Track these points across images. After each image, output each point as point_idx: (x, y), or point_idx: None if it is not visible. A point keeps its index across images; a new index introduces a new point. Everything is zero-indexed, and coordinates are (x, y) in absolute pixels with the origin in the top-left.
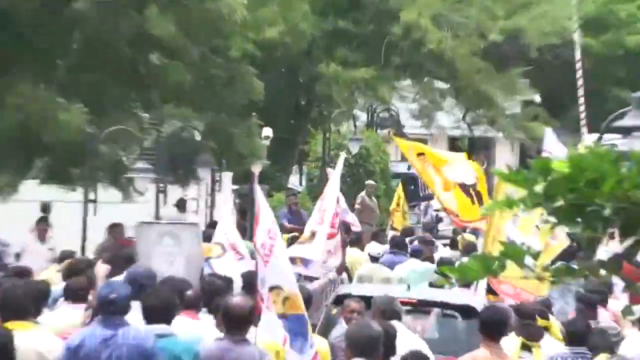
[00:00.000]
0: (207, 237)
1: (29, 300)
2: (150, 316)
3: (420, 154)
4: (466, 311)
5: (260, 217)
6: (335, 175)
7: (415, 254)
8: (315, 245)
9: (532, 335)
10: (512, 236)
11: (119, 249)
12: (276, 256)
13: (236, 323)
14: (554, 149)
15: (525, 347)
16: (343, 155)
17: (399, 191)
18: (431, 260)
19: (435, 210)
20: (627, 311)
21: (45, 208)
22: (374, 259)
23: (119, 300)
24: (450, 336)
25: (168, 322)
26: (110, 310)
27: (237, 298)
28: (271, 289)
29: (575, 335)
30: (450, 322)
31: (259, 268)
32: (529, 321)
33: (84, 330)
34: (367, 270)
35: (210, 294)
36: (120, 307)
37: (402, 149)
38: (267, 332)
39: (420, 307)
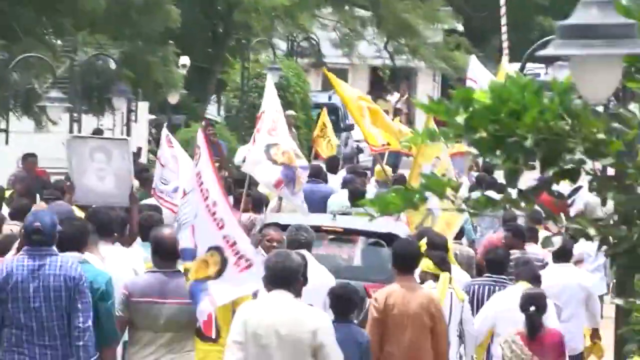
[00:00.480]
0: (145, 179)
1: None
2: (63, 244)
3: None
4: (390, 239)
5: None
6: (269, 96)
7: (347, 184)
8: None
9: (440, 264)
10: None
11: (33, 180)
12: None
13: (170, 254)
14: (480, 77)
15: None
16: (270, 76)
17: (323, 118)
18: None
19: (356, 141)
20: (546, 242)
21: None
22: None
23: (44, 229)
24: (376, 264)
25: (80, 250)
26: (36, 240)
27: (166, 230)
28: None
29: (494, 263)
30: (376, 250)
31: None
32: (438, 252)
33: (12, 260)
34: (275, 203)
35: (148, 227)
36: (45, 236)
37: (333, 84)
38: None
39: (346, 236)
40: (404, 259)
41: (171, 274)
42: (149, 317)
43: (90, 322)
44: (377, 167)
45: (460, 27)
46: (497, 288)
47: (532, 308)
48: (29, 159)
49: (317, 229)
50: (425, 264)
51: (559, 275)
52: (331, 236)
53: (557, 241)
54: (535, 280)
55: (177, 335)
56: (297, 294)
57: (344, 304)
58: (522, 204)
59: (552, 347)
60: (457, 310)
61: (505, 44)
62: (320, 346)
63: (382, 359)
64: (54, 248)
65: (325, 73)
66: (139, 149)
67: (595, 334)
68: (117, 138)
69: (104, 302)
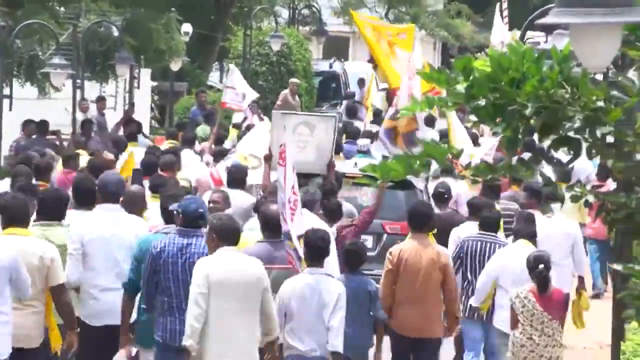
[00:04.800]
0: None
1: (28, 209)
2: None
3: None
4: (404, 183)
5: (287, 174)
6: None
7: (364, 151)
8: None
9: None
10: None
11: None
12: (299, 209)
13: (277, 227)
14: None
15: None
16: (233, 67)
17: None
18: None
19: (358, 103)
20: (545, 208)
21: None
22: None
23: (206, 215)
24: (391, 204)
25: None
26: (200, 224)
27: (273, 206)
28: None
29: (488, 222)
30: (391, 192)
31: (287, 223)
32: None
33: (166, 238)
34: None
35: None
36: (204, 220)
37: (358, 24)
38: None
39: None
40: (417, 218)
41: (277, 244)
42: None
43: None
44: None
45: None
46: (488, 244)
47: (541, 266)
48: (30, 125)
49: (343, 175)
50: None
51: (546, 225)
52: (353, 181)
53: (557, 208)
54: (533, 236)
55: None
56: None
57: (356, 258)
58: (522, 171)
59: (558, 303)
60: None
61: (505, 12)
62: (265, 289)
63: (395, 306)
64: (202, 230)
65: (352, 15)
66: (132, 105)
67: (580, 284)
68: (325, 115)
69: None
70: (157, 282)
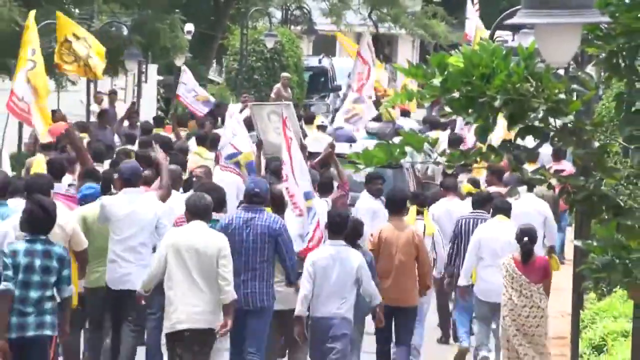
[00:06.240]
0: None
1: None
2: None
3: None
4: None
5: (292, 151)
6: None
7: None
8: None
9: (421, 203)
10: None
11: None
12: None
13: (281, 203)
14: None
15: (418, 213)
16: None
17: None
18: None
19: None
20: (512, 192)
21: None
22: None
23: (261, 193)
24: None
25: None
26: (253, 200)
27: (277, 187)
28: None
29: (478, 201)
30: (382, 171)
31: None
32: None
33: (234, 213)
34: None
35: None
36: (260, 198)
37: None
38: None
39: None
40: (394, 203)
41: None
42: None
43: (294, 257)
44: (384, 111)
45: None
46: (479, 221)
47: (526, 239)
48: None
49: (339, 155)
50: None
51: (520, 204)
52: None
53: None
54: (508, 212)
55: None
56: (208, 222)
57: (354, 233)
58: (492, 157)
59: (540, 269)
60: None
61: (477, 13)
62: (222, 256)
63: (378, 277)
64: (263, 207)
65: (337, 38)
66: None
67: (551, 250)
68: (283, 103)
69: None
70: None
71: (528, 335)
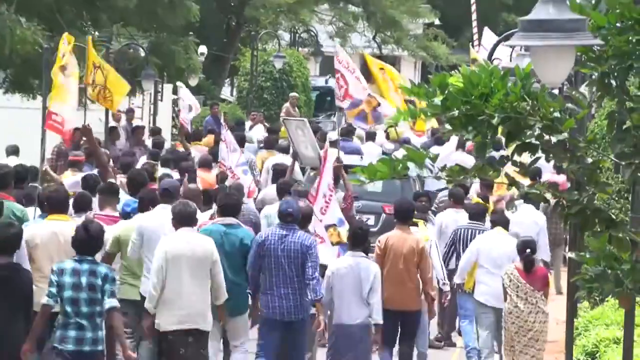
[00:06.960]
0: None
1: (67, 201)
2: (224, 212)
3: (380, 68)
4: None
5: (324, 172)
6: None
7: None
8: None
9: (420, 213)
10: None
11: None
12: (332, 203)
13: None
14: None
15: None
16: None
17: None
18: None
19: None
20: (509, 205)
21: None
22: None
23: (294, 213)
24: (389, 190)
25: (235, 215)
26: (287, 220)
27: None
28: (327, 227)
29: (476, 213)
30: (389, 181)
31: (318, 215)
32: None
33: (268, 230)
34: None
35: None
36: (293, 217)
37: (368, 62)
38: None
39: None
40: (401, 213)
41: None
42: None
43: (317, 274)
44: (391, 130)
45: (437, 21)
46: (477, 232)
47: (528, 250)
48: (75, 132)
49: (349, 166)
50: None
51: (518, 214)
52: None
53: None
54: (506, 225)
55: None
56: (196, 227)
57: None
58: (490, 172)
59: (541, 278)
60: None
61: (475, 36)
62: (214, 262)
63: (383, 280)
64: (296, 226)
65: (366, 59)
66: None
67: (545, 265)
68: (300, 119)
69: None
70: (261, 266)
71: (533, 340)
